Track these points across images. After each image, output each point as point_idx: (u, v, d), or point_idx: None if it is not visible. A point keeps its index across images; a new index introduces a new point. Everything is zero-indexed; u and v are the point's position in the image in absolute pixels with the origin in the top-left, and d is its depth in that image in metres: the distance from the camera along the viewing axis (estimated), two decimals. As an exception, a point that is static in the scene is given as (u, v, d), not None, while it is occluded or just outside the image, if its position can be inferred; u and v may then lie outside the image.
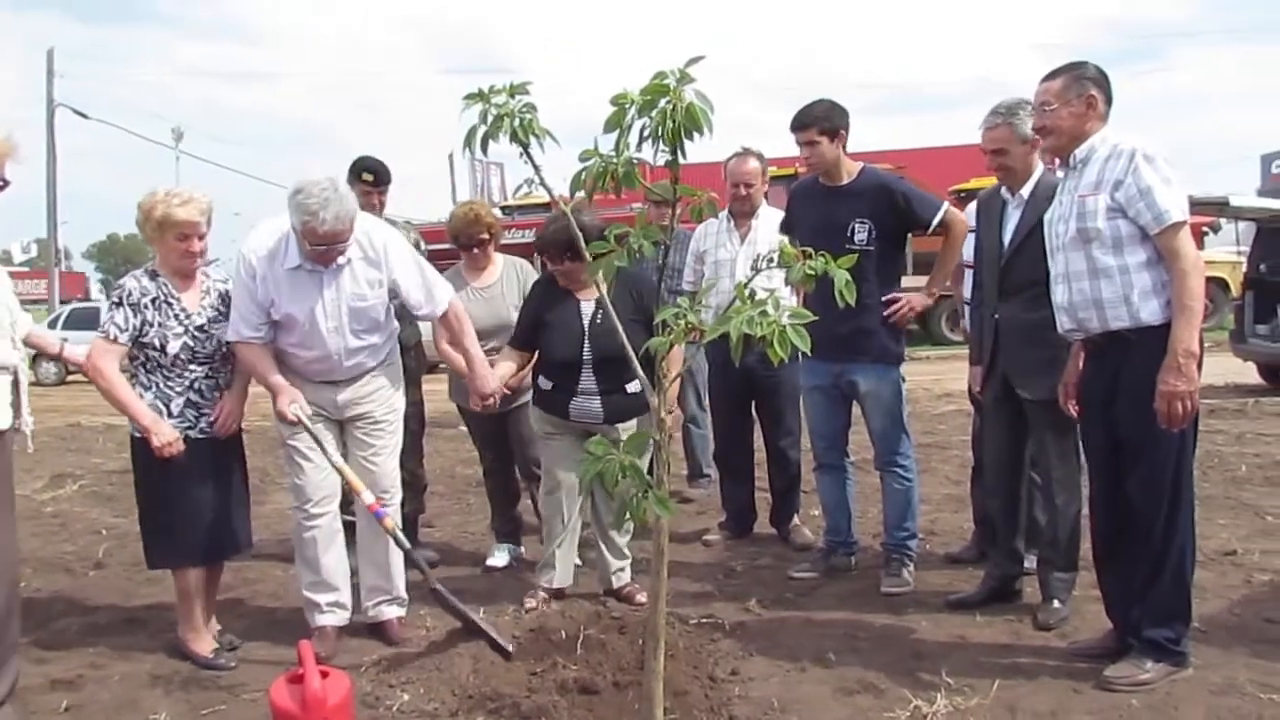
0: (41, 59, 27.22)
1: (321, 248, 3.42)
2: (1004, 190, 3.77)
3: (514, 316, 4.31)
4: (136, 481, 3.61)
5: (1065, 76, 3.21)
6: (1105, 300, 3.10)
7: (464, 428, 5.20)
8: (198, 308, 3.56)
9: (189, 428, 3.51)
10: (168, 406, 3.50)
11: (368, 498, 3.55)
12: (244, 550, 3.85)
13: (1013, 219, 3.70)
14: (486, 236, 4.52)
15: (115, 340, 3.45)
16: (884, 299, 4.08)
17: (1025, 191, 3.68)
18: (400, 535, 3.61)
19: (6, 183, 3.08)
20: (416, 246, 4.78)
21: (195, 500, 3.53)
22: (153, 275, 3.54)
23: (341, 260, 3.52)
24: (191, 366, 3.53)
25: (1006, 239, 3.69)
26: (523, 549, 4.78)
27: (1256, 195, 17.39)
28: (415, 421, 4.71)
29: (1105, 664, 3.19)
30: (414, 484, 4.90)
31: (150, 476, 3.54)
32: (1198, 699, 3.01)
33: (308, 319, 3.55)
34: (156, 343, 3.47)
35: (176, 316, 3.50)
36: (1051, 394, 3.55)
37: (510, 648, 3.42)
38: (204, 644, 3.61)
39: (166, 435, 3.42)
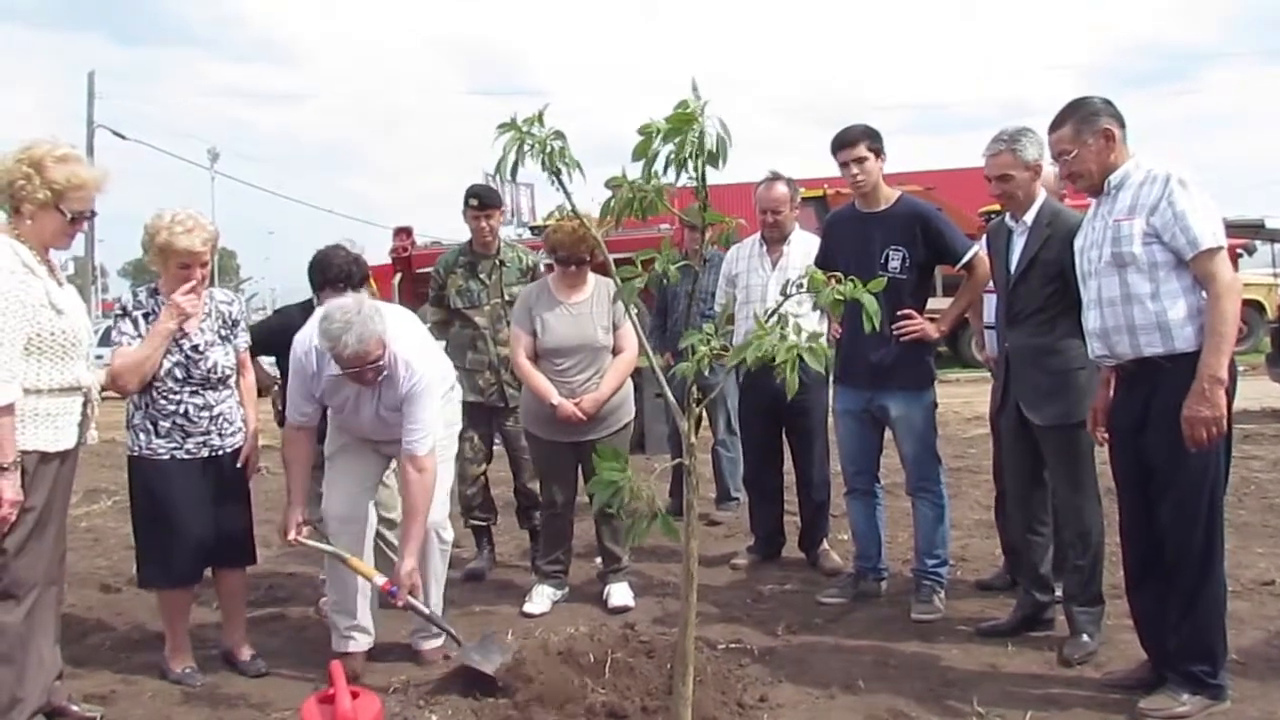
0: (80, 80, 27.87)
1: (352, 370, 3.41)
2: (1009, 218, 3.77)
3: (600, 336, 4.31)
4: (131, 501, 3.64)
5: (1073, 121, 3.20)
6: (1139, 326, 3.08)
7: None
8: (195, 328, 3.57)
9: (176, 448, 3.53)
10: (155, 426, 3.52)
11: (379, 580, 3.54)
12: (243, 565, 3.83)
13: (1017, 246, 3.69)
14: (589, 257, 4.32)
15: (125, 348, 3.47)
16: (898, 313, 4.07)
17: (1029, 219, 3.67)
18: (418, 605, 3.57)
19: (94, 213, 3.18)
20: (536, 269, 4.91)
21: (183, 521, 3.54)
22: (153, 293, 3.57)
23: (381, 378, 3.51)
24: (183, 389, 3.53)
25: (1012, 266, 3.69)
26: (566, 589, 4.57)
27: (1293, 217, 17.13)
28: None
29: (1139, 695, 3.15)
30: (534, 502, 4.86)
31: (142, 497, 3.58)
32: (1235, 733, 2.96)
33: (344, 414, 3.67)
34: None
35: (175, 338, 3.52)
36: (1058, 419, 3.57)
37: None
38: (179, 662, 3.66)
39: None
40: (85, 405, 3.20)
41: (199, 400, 3.56)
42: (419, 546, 3.56)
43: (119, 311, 3.58)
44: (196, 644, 3.78)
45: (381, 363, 3.43)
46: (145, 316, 3.51)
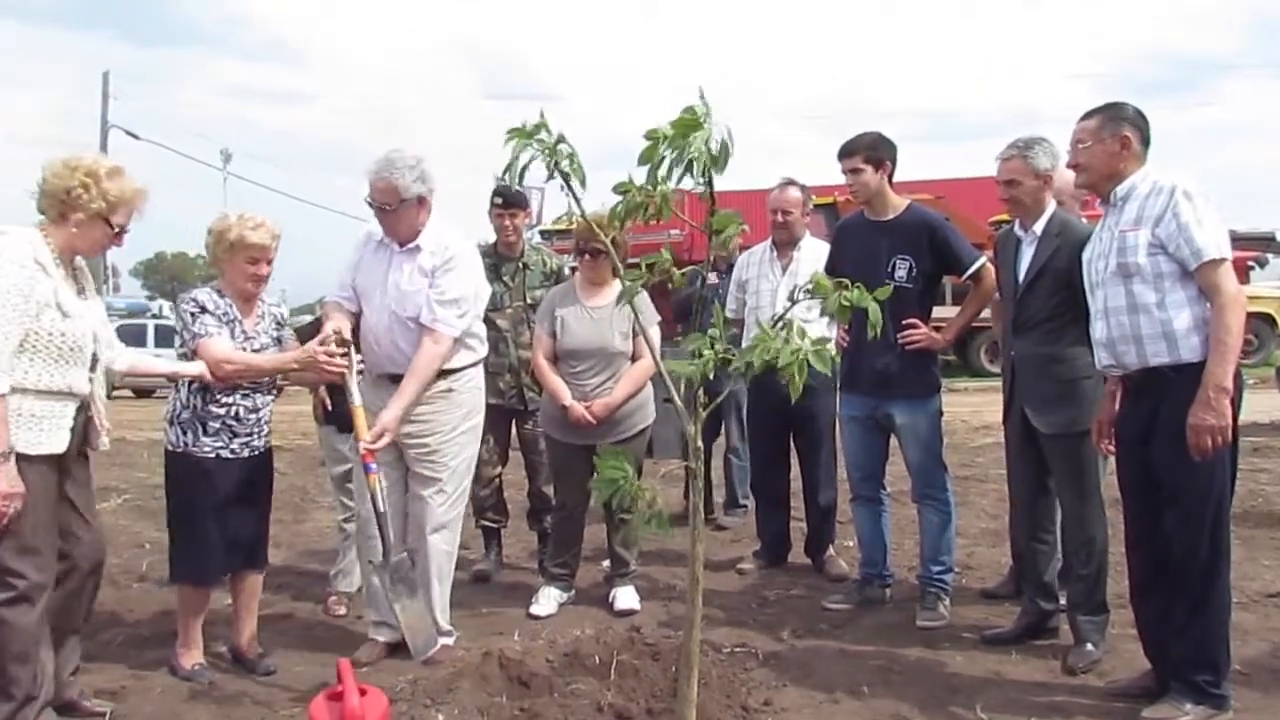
0: (95, 79, 27.91)
1: (375, 205, 3.66)
2: (1018, 227, 3.80)
3: (617, 341, 4.31)
4: (168, 497, 3.67)
5: (1101, 116, 3.25)
6: (1144, 336, 3.10)
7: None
8: (254, 331, 3.67)
9: (222, 448, 3.58)
10: (204, 425, 3.57)
11: (364, 444, 3.55)
12: (261, 568, 3.87)
13: (1026, 256, 3.72)
14: (600, 248, 4.16)
15: (216, 336, 3.54)
16: (903, 321, 4.09)
17: (1038, 228, 3.70)
18: (378, 495, 3.55)
19: (126, 230, 3.19)
20: (560, 272, 4.92)
21: (221, 519, 3.59)
22: (219, 294, 3.65)
23: (411, 245, 3.71)
24: (236, 391, 3.60)
25: (1020, 276, 3.71)
26: (573, 592, 4.58)
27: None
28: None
29: (1143, 704, 3.15)
30: (547, 505, 4.89)
31: (181, 493, 3.62)
32: (1238, 743, 2.96)
33: (369, 291, 3.76)
34: None
35: (236, 338, 3.60)
36: (1064, 428, 3.59)
37: (422, 658, 3.57)
38: (189, 658, 3.69)
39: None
40: (81, 411, 3.12)
41: (249, 403, 3.64)
42: (407, 404, 3.61)
43: (195, 309, 3.59)
44: (205, 641, 3.80)
45: (397, 209, 3.65)
46: (222, 317, 3.59)
